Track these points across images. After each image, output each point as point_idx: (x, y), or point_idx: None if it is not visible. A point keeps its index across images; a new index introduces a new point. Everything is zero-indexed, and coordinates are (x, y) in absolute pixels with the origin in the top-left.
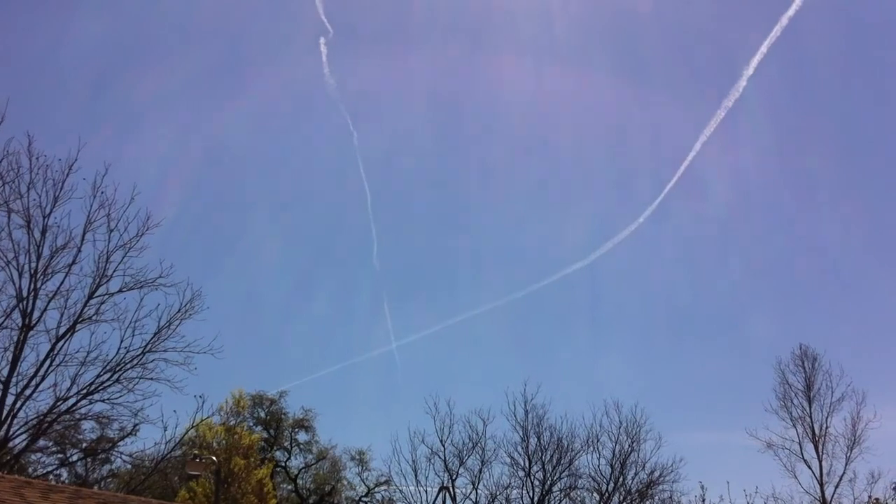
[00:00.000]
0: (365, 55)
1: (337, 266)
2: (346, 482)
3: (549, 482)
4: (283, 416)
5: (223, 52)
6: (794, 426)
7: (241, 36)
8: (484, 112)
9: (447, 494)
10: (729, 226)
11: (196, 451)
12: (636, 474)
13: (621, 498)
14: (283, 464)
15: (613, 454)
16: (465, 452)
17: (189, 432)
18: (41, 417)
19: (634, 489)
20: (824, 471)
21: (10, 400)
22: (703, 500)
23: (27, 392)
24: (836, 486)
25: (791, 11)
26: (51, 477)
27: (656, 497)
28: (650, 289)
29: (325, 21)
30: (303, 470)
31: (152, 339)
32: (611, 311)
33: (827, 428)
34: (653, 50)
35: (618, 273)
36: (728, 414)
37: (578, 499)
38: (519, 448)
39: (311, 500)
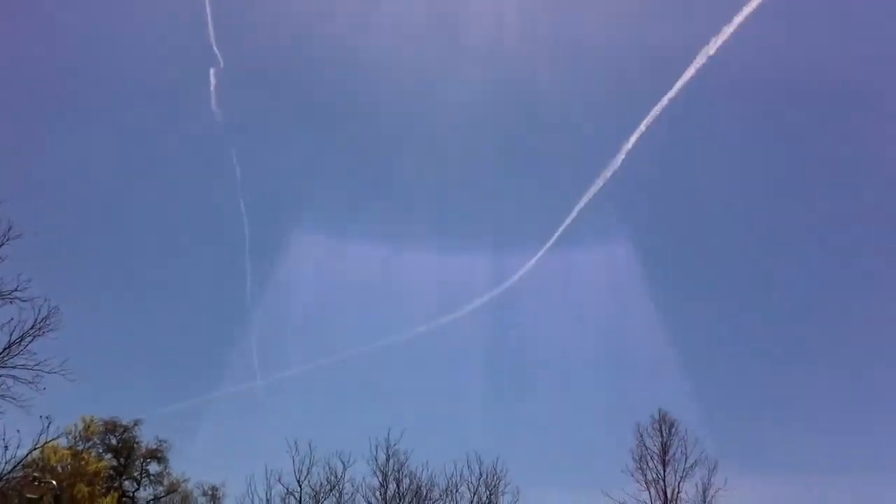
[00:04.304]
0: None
1: (209, 299)
2: None
3: None
4: (135, 444)
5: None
6: (648, 489)
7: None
8: None
9: None
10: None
11: (37, 474)
12: None
13: None
14: (132, 494)
15: None
16: (321, 495)
17: (32, 453)
18: None
19: None
20: None
21: None
22: None
23: None
24: None
25: None
26: None
27: None
28: (516, 347)
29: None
30: (151, 502)
31: (1, 353)
32: (477, 367)
33: (678, 493)
34: None
35: (482, 329)
36: (584, 474)
37: None
38: (377, 493)
39: None
